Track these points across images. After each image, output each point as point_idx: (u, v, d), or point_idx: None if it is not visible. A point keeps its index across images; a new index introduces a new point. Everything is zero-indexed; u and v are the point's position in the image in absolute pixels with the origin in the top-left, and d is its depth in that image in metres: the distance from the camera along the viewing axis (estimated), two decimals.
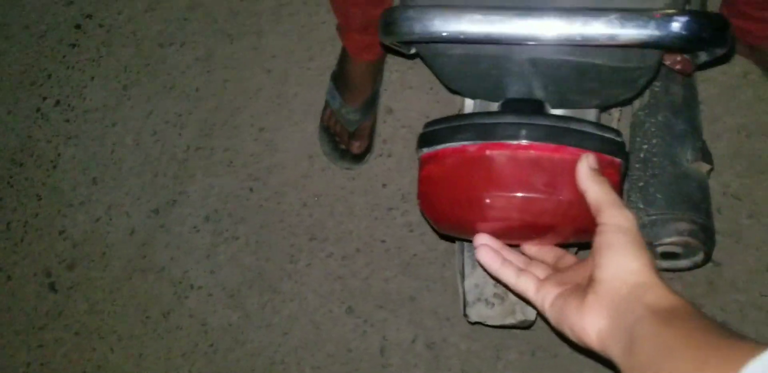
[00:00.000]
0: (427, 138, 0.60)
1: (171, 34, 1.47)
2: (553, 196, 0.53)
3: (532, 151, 0.53)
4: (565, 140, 0.54)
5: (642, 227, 0.84)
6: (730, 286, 1.07)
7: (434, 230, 0.83)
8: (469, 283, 0.76)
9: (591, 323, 0.45)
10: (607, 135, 0.57)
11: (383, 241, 1.23)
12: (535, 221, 0.54)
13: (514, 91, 0.65)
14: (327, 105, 1.28)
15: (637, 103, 0.92)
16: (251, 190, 1.31)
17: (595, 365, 1.05)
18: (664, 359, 0.38)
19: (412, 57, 0.68)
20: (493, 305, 0.76)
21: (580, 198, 0.50)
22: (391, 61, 1.30)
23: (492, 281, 0.76)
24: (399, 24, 0.54)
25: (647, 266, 0.45)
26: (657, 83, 0.90)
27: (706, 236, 0.83)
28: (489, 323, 0.78)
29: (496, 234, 0.57)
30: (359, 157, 1.27)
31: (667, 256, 0.88)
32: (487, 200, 0.54)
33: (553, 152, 0.53)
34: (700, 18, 0.51)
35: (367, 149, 1.27)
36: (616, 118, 0.89)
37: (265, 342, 1.20)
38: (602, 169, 0.52)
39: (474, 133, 0.56)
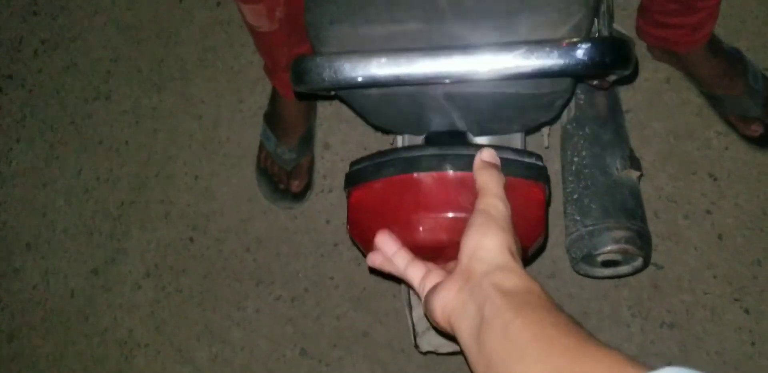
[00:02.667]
0: (352, 177, 0.65)
1: (95, 89, 1.55)
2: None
3: (454, 178, 0.59)
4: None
5: (580, 238, 0.92)
6: (675, 287, 1.16)
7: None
8: (417, 313, 0.83)
9: (440, 298, 0.49)
10: (527, 160, 0.62)
11: (331, 278, 1.30)
12: (455, 239, 0.61)
13: (436, 124, 0.70)
14: (262, 146, 1.36)
15: (565, 117, 1.01)
16: (191, 240, 1.38)
17: None
18: (515, 363, 0.41)
19: (333, 98, 0.75)
20: (442, 333, 0.84)
21: None
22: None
23: None
24: (309, 73, 0.60)
25: (504, 248, 0.49)
26: (581, 96, 1.00)
27: (642, 241, 0.92)
28: (440, 351, 0.85)
29: (422, 255, 0.62)
30: (300, 196, 1.34)
31: (608, 264, 0.96)
32: (413, 222, 0.60)
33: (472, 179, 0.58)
34: (601, 44, 0.57)
35: (307, 187, 1.35)
36: (546, 134, 0.98)
37: None
38: (524, 193, 0.59)
39: (398, 168, 0.61)
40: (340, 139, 1.38)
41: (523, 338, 0.42)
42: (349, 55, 0.59)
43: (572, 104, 0.98)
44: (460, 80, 0.59)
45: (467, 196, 0.58)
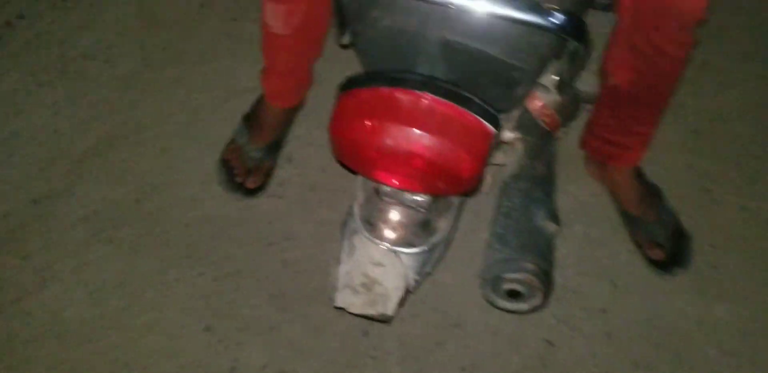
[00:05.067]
0: (346, 84, 0.83)
1: (99, 51, 1.73)
2: (435, 137, 0.78)
3: (427, 100, 0.79)
4: (455, 100, 0.80)
5: (495, 262, 1.14)
6: (559, 367, 1.37)
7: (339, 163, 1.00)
8: (342, 269, 1.01)
9: None
10: (488, 108, 0.81)
11: (256, 271, 1.46)
12: (416, 154, 0.77)
13: (422, 70, 0.86)
14: (232, 140, 1.54)
15: (507, 172, 1.28)
16: (137, 201, 1.51)
17: None
18: None
19: (345, 47, 0.95)
20: (359, 292, 1.02)
21: (450, 147, 0.77)
22: (302, 118, 1.61)
23: (363, 271, 1.02)
24: None
25: None
26: (527, 160, 1.27)
27: (546, 280, 1.15)
28: (351, 310, 1.02)
29: (385, 164, 0.79)
30: (251, 192, 1.51)
31: (511, 294, 1.18)
32: (385, 130, 0.78)
33: (443, 106, 0.79)
34: (571, 17, 0.78)
35: (261, 187, 1.53)
36: (488, 183, 1.23)
37: (116, 343, 1.34)
38: (475, 134, 0.79)
39: (388, 81, 0.80)
40: (304, 157, 1.58)
41: None
42: None
43: (515, 163, 1.24)
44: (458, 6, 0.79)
45: (433, 119, 0.77)
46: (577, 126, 1.45)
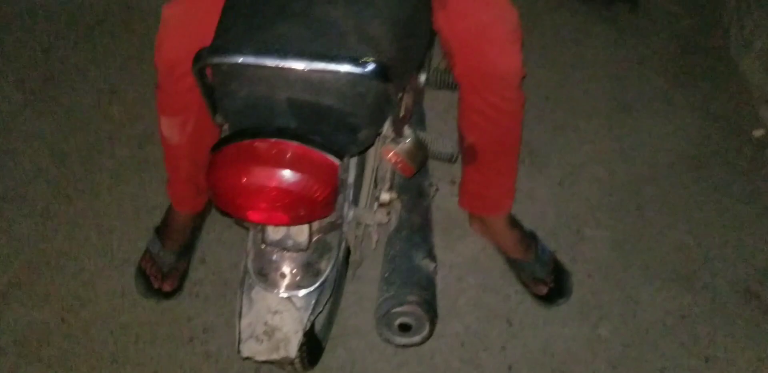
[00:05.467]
0: (216, 144, 0.98)
1: (9, 189, 1.91)
2: (286, 171, 0.93)
3: (277, 144, 0.94)
4: (301, 141, 0.96)
5: (384, 301, 1.30)
6: None
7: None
8: (244, 322, 1.16)
9: None
10: (331, 145, 0.96)
11: (181, 366, 1.58)
12: (274, 187, 0.92)
13: (278, 124, 0.99)
14: (147, 250, 1.70)
15: (392, 227, 1.47)
16: (63, 320, 1.64)
17: None
18: None
19: (221, 126, 1.13)
20: (262, 341, 1.17)
21: (300, 178, 0.92)
22: (211, 221, 1.80)
23: (262, 320, 1.17)
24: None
25: None
26: (404, 214, 1.47)
27: (430, 310, 1.31)
28: (258, 358, 1.15)
29: (252, 203, 0.94)
30: (169, 295, 1.66)
31: (403, 328, 1.34)
32: (245, 172, 0.93)
33: (291, 147, 0.94)
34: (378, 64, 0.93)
35: (178, 288, 1.69)
36: (374, 240, 1.42)
37: None
38: (320, 165, 0.94)
39: (246, 135, 0.96)
40: (216, 258, 1.75)
41: None
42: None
43: (396, 218, 1.44)
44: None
45: (283, 158, 0.93)
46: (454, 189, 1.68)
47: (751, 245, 1.78)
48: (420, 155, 1.29)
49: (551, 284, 1.65)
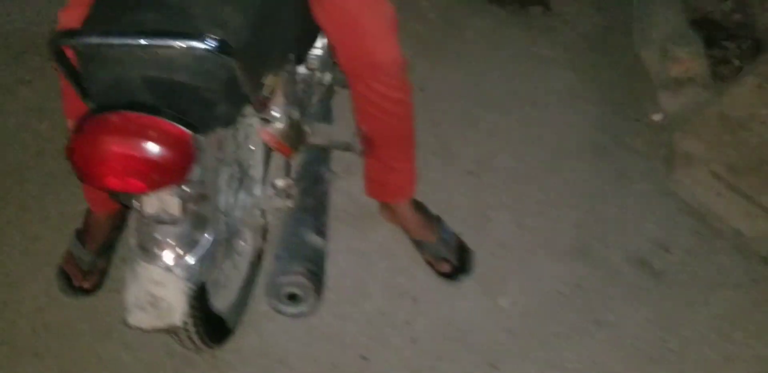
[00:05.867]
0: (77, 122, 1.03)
1: None
2: (139, 140, 1.01)
3: (128, 116, 1.01)
4: (152, 113, 1.01)
5: (273, 275, 1.40)
6: None
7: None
8: (129, 293, 1.24)
9: None
10: (182, 117, 1.02)
11: (99, 356, 1.65)
12: (128, 155, 1.00)
13: (138, 100, 1.06)
14: (68, 251, 1.78)
15: (290, 207, 1.58)
16: None
17: None
18: None
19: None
20: (147, 310, 1.24)
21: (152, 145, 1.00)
22: None
23: (146, 291, 1.25)
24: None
25: None
26: (299, 198, 1.57)
27: (316, 279, 1.41)
28: (143, 327, 1.22)
29: (110, 172, 1.01)
30: (89, 292, 1.74)
31: (291, 298, 1.42)
32: (101, 143, 1.00)
33: (142, 118, 1.01)
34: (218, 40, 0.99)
35: (98, 286, 1.77)
36: (272, 224, 1.52)
37: None
38: (171, 134, 1.02)
39: (100, 110, 1.03)
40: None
41: None
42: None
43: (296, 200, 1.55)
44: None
45: (135, 128, 1.01)
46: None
47: (647, 221, 1.88)
48: (294, 136, 1.39)
49: (455, 262, 1.74)
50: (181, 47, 1.01)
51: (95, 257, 1.74)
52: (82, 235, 1.75)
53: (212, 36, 1.01)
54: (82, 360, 1.60)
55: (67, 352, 1.62)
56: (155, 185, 1.09)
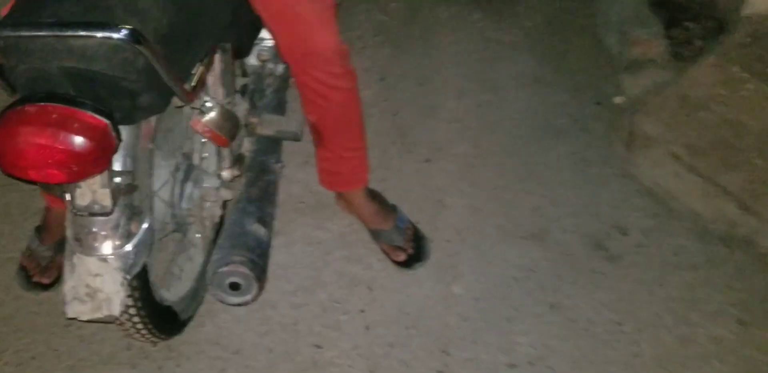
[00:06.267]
0: None
1: None
2: (55, 130, 1.01)
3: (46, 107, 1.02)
4: (69, 104, 1.02)
5: (214, 264, 1.41)
6: (329, 364, 1.60)
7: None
8: (67, 285, 1.25)
9: None
10: (100, 107, 1.04)
11: (56, 350, 1.67)
12: (44, 145, 1.00)
13: (58, 91, 1.06)
14: (27, 248, 1.80)
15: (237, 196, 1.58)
16: None
17: None
18: None
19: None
20: (86, 302, 1.26)
21: (68, 136, 1.00)
22: None
23: (84, 282, 1.26)
24: None
25: None
26: (244, 189, 1.58)
27: (257, 268, 1.41)
28: (82, 318, 1.23)
29: (31, 163, 1.01)
30: (48, 287, 1.76)
31: (234, 287, 1.43)
32: (18, 134, 1.00)
33: (59, 109, 1.02)
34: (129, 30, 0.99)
35: (55, 281, 1.78)
36: (217, 215, 1.53)
37: None
38: (87, 124, 1.02)
39: (20, 102, 1.03)
40: None
41: None
42: None
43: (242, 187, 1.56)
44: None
45: (52, 119, 1.01)
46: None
47: (604, 204, 1.89)
48: (228, 125, 1.39)
49: (410, 250, 1.75)
50: (94, 38, 1.02)
51: (53, 253, 1.75)
52: (40, 230, 1.76)
53: (125, 26, 1.01)
54: (39, 354, 1.61)
55: (25, 346, 1.64)
56: (75, 176, 1.09)
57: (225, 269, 1.37)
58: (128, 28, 1.01)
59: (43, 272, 1.74)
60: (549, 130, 2.07)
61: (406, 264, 1.74)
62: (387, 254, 1.76)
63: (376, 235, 1.78)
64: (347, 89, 1.53)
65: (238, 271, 1.38)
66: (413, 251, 1.75)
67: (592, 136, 2.05)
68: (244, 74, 1.76)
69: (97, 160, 1.07)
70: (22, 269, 1.75)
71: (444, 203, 1.88)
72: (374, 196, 1.78)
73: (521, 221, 1.83)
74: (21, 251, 1.78)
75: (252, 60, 1.82)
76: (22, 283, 1.74)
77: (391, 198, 1.82)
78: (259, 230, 1.46)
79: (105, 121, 1.06)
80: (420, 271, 1.73)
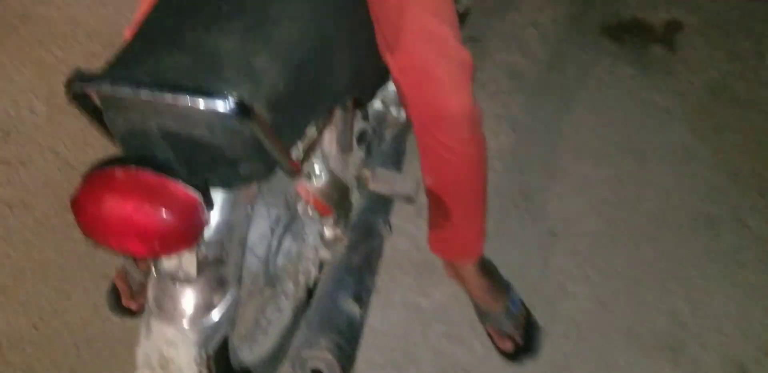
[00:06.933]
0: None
1: None
2: (139, 202, 0.88)
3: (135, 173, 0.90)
4: (161, 171, 0.90)
5: (299, 343, 1.26)
6: None
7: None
8: (141, 351, 1.12)
9: None
10: (193, 177, 0.92)
11: None
12: (126, 218, 0.88)
13: (156, 153, 0.94)
14: (122, 267, 1.71)
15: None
16: (35, 327, 1.66)
17: None
18: None
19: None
20: (155, 370, 1.12)
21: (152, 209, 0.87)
22: None
23: (158, 350, 1.12)
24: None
25: None
26: (345, 253, 1.41)
27: (343, 356, 1.25)
28: None
29: (111, 232, 0.89)
30: (133, 314, 1.66)
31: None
32: (101, 200, 0.88)
33: (148, 176, 0.89)
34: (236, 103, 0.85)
35: (143, 308, 1.68)
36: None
37: None
38: (177, 197, 0.89)
39: (108, 163, 0.91)
40: None
41: None
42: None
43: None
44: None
45: (139, 187, 0.89)
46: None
47: (756, 321, 1.62)
48: (336, 194, 1.24)
49: (519, 340, 1.55)
50: (197, 104, 0.88)
51: (146, 279, 1.63)
52: None
53: (233, 94, 0.87)
54: None
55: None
56: (157, 252, 0.95)
57: (309, 353, 1.21)
58: (236, 100, 0.87)
59: (132, 296, 1.64)
60: (699, 219, 1.80)
61: (513, 356, 1.53)
62: (492, 338, 1.57)
63: (483, 315, 1.59)
64: (472, 156, 1.35)
65: (323, 357, 1.21)
66: (522, 342, 1.54)
67: (752, 235, 1.76)
68: (364, 117, 1.58)
69: (183, 237, 0.94)
70: (113, 289, 1.65)
71: (566, 289, 1.66)
72: (488, 270, 1.58)
73: (654, 328, 1.59)
74: (116, 269, 1.66)
75: (376, 103, 1.63)
76: (111, 305, 1.65)
77: (505, 272, 1.61)
78: (353, 308, 1.30)
79: (197, 197, 0.93)
80: (528, 366, 1.51)
